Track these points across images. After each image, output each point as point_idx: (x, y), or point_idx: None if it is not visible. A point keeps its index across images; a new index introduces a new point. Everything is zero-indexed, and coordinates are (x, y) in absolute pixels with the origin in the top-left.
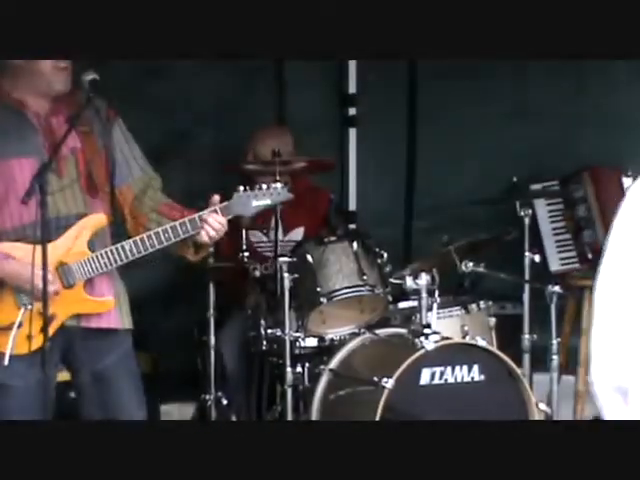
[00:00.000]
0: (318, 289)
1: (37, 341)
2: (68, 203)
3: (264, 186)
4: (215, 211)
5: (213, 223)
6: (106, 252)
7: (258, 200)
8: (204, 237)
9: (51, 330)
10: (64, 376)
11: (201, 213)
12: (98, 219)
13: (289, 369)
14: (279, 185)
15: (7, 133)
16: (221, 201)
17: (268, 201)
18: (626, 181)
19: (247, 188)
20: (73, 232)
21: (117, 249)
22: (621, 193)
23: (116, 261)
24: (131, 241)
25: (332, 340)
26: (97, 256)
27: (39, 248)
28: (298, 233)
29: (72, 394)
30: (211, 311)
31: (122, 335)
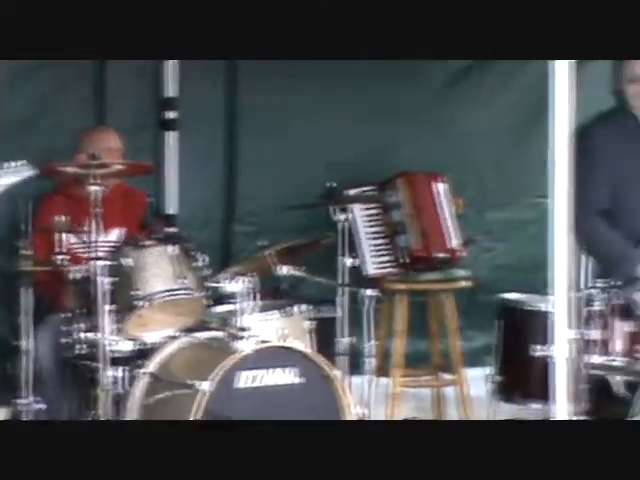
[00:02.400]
0: (136, 292)
1: None
2: None
3: (6, 164)
4: None
5: None
6: None
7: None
8: None
9: None
10: None
11: None
12: None
13: (105, 373)
14: (21, 162)
15: None
16: None
17: (13, 178)
18: (440, 186)
19: None
20: None
21: None
22: (434, 198)
23: None
24: None
25: (150, 343)
26: None
27: None
28: (116, 235)
29: None
30: (23, 315)
31: None
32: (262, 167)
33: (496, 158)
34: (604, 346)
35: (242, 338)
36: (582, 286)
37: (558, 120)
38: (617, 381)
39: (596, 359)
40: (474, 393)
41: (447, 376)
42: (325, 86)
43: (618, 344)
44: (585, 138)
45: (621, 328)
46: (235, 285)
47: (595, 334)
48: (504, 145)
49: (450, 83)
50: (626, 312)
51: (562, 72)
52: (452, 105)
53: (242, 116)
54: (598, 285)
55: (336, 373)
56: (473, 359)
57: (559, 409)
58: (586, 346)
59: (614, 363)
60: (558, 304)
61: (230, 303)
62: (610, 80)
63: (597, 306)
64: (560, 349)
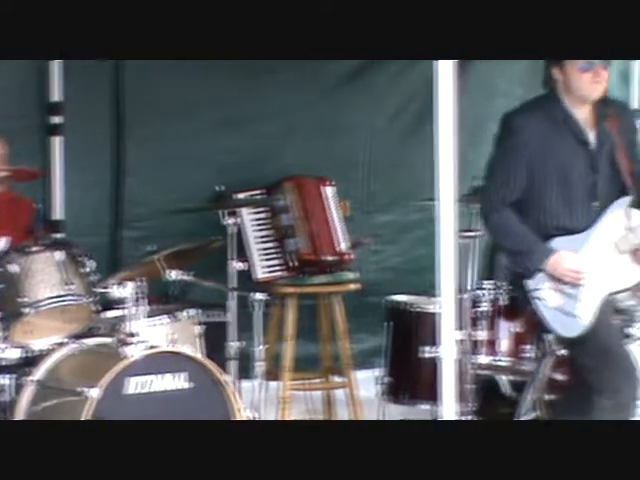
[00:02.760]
0: (23, 299)
1: None
2: None
3: None
4: None
5: None
6: None
7: None
8: None
9: None
10: None
11: None
12: None
13: None
14: None
15: None
16: None
17: None
18: (328, 190)
19: None
20: None
21: None
22: (322, 202)
23: None
24: None
25: (38, 351)
26: None
27: None
28: (2, 242)
29: None
30: None
31: None
32: (150, 171)
33: (383, 161)
34: (491, 346)
35: (131, 344)
36: (469, 287)
37: (443, 122)
38: (504, 381)
39: (483, 359)
40: (364, 395)
41: (337, 378)
42: (212, 88)
43: (504, 344)
44: (507, 127)
45: (507, 328)
46: (123, 290)
47: (482, 335)
48: (391, 147)
49: (338, 85)
50: (512, 312)
51: (447, 74)
52: (341, 107)
53: (128, 120)
54: (485, 286)
55: (226, 377)
56: (363, 361)
57: (447, 409)
58: (473, 347)
59: (500, 363)
60: (445, 305)
61: (119, 308)
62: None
63: (484, 307)
64: (447, 350)
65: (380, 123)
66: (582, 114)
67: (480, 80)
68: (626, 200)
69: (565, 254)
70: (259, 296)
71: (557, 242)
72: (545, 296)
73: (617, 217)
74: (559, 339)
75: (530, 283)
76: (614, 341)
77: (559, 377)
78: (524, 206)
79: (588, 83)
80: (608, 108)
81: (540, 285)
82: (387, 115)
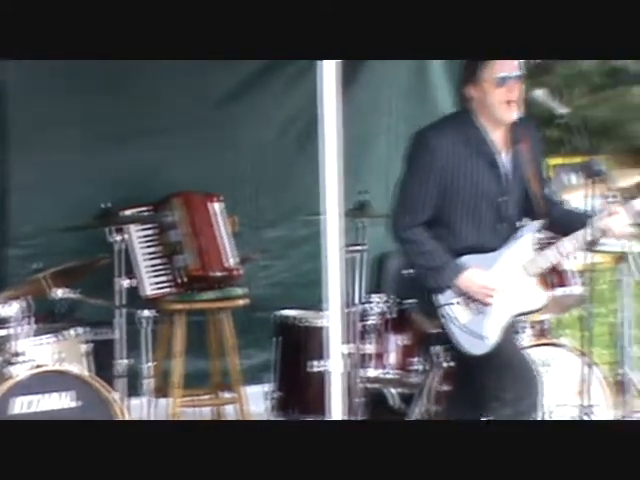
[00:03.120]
0: None
1: None
2: None
3: None
4: None
5: None
6: None
7: None
8: None
9: None
10: None
11: None
12: None
13: None
14: None
15: None
16: None
17: None
18: (216, 206)
19: None
20: None
21: None
22: (210, 218)
23: None
24: None
25: None
26: None
27: None
28: None
29: None
30: None
31: None
32: (35, 188)
33: (271, 176)
34: (379, 359)
35: (16, 363)
36: (357, 301)
37: (328, 138)
38: (392, 393)
39: (371, 372)
40: (254, 410)
41: (227, 394)
42: (99, 103)
43: (392, 357)
44: (419, 145)
45: (395, 341)
46: (9, 309)
47: (370, 348)
48: (279, 163)
49: (226, 100)
50: (400, 326)
51: (331, 91)
52: (227, 123)
53: (12, 136)
54: (373, 300)
55: (114, 395)
56: (252, 377)
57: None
58: (362, 360)
59: (389, 376)
60: (333, 319)
61: (4, 328)
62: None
63: (372, 320)
64: (335, 364)
65: (267, 139)
66: (496, 134)
67: (366, 95)
68: (537, 224)
69: (477, 271)
70: (147, 313)
71: (468, 260)
72: (454, 312)
73: (527, 240)
74: (462, 353)
75: (439, 299)
76: (518, 356)
77: (447, 389)
78: (435, 224)
79: (502, 102)
80: (522, 130)
81: (449, 301)
82: (274, 131)
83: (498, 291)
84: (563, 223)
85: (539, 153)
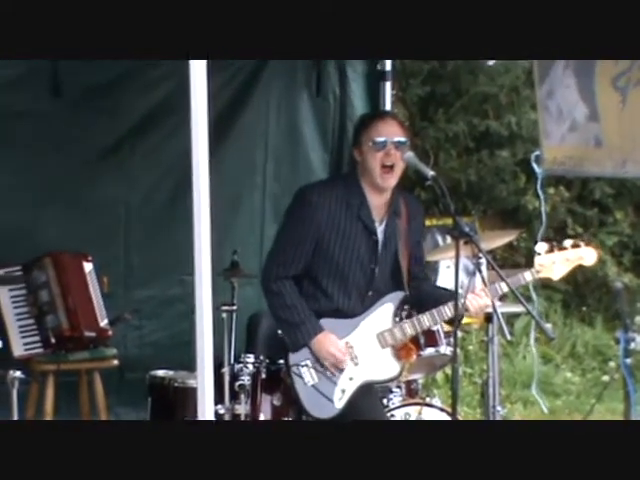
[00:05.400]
0: None
1: None
2: None
3: None
4: None
5: None
6: None
7: None
8: None
9: None
10: None
11: None
12: None
13: None
14: None
15: None
16: None
17: None
18: (86, 266)
19: None
20: None
21: None
22: (83, 278)
23: None
24: None
25: None
26: None
27: None
28: None
29: None
30: None
31: None
32: None
33: (141, 235)
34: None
35: None
36: (230, 361)
37: (199, 196)
38: None
39: None
40: None
41: None
42: None
43: (266, 417)
44: (301, 200)
45: (269, 401)
46: None
47: (243, 408)
48: (149, 222)
49: (95, 160)
50: (272, 386)
51: (203, 148)
52: (97, 182)
53: None
54: (245, 360)
55: None
56: None
57: None
58: (233, 420)
59: None
60: (204, 380)
61: None
62: None
63: (244, 380)
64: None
65: (136, 199)
66: (377, 202)
67: (237, 154)
68: (399, 295)
69: (330, 337)
70: (17, 374)
71: (326, 322)
72: (303, 373)
73: (387, 310)
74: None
75: (292, 357)
76: (376, 410)
77: None
78: (306, 281)
79: (379, 166)
80: (403, 204)
81: (301, 361)
82: (142, 191)
83: (346, 360)
84: (428, 300)
85: (417, 232)
